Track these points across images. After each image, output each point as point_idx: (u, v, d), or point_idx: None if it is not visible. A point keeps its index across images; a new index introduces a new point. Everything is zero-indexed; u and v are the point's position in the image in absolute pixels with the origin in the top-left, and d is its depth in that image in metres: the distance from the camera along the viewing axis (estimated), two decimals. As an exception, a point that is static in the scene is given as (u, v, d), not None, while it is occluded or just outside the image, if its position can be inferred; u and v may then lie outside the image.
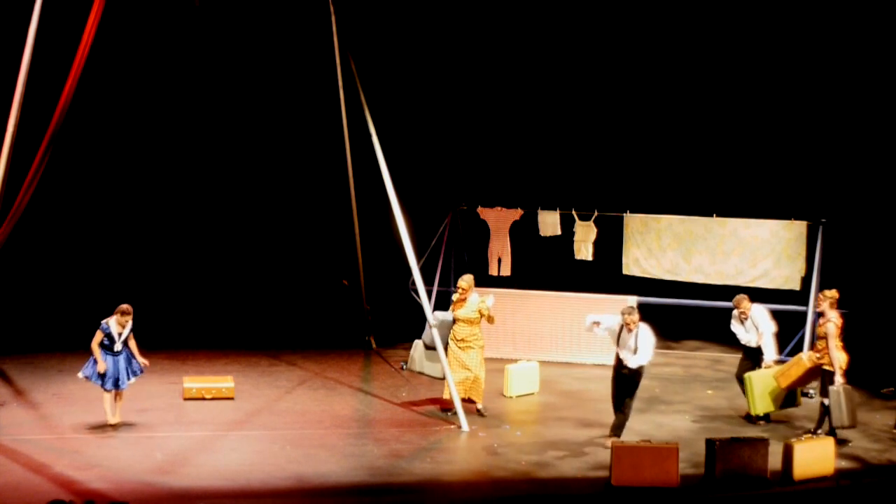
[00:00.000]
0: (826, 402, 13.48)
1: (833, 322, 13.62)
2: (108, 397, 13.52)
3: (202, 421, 13.92)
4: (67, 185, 19.79)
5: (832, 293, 13.97)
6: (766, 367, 14.38)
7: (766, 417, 14.45)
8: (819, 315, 13.94)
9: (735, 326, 14.84)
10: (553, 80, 21.81)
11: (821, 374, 13.76)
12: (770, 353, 14.55)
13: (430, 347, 14.90)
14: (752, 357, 14.65)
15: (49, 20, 13.38)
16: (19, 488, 11.22)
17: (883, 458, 13.07)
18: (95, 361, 13.35)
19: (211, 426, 13.69)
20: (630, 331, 13.04)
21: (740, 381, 14.63)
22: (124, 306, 13.52)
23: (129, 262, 20.74)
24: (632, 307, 13.55)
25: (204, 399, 14.79)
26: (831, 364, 13.52)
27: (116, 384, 13.45)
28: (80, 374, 13.55)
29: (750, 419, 14.45)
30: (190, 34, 17.99)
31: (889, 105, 19.63)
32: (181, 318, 19.63)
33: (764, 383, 14.16)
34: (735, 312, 14.77)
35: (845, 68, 20.15)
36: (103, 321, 13.42)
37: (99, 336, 13.36)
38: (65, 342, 16.86)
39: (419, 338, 15.59)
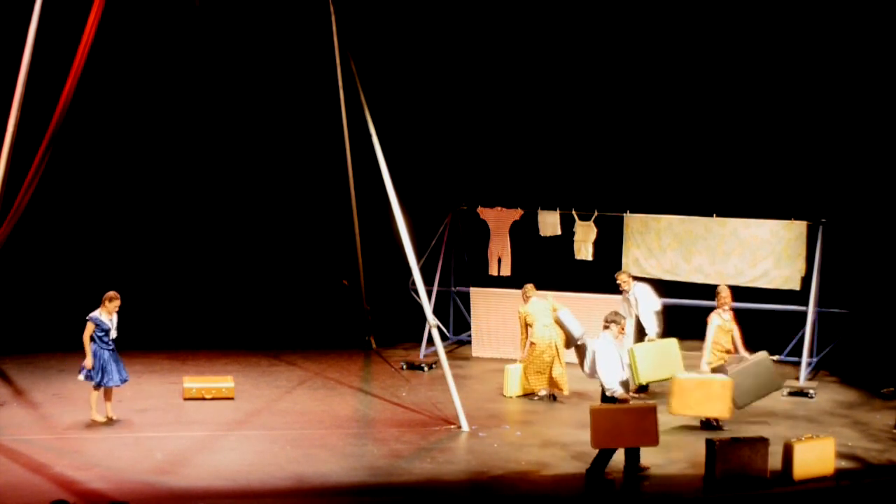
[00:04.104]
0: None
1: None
2: (95, 394, 13.54)
3: (202, 421, 13.93)
4: (67, 185, 19.78)
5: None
6: (649, 341, 15.19)
7: (646, 388, 15.36)
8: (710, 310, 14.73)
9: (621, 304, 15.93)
10: (552, 80, 21.79)
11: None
12: (651, 328, 15.59)
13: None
14: (641, 332, 15.77)
15: (49, 20, 13.38)
16: (19, 488, 11.23)
17: (883, 458, 13.06)
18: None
19: (211, 426, 13.70)
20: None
21: None
22: (110, 293, 13.53)
23: (129, 261, 20.72)
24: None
25: (204, 399, 14.80)
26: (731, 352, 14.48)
27: (103, 378, 13.45)
28: (80, 377, 13.56)
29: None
30: (190, 34, 17.97)
31: (889, 105, 19.60)
32: (181, 318, 19.65)
33: (645, 355, 14.58)
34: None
35: (845, 68, 20.12)
36: (90, 314, 13.42)
37: (90, 328, 13.36)
38: (65, 342, 16.84)
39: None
